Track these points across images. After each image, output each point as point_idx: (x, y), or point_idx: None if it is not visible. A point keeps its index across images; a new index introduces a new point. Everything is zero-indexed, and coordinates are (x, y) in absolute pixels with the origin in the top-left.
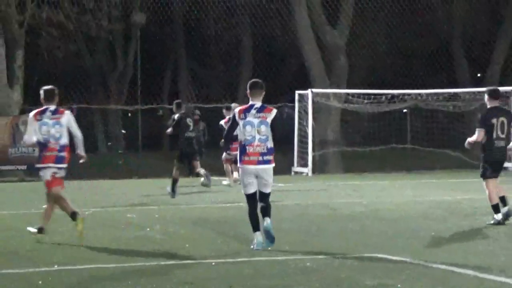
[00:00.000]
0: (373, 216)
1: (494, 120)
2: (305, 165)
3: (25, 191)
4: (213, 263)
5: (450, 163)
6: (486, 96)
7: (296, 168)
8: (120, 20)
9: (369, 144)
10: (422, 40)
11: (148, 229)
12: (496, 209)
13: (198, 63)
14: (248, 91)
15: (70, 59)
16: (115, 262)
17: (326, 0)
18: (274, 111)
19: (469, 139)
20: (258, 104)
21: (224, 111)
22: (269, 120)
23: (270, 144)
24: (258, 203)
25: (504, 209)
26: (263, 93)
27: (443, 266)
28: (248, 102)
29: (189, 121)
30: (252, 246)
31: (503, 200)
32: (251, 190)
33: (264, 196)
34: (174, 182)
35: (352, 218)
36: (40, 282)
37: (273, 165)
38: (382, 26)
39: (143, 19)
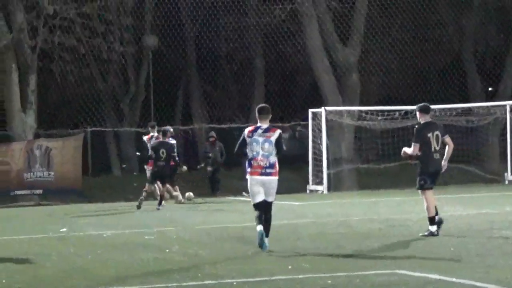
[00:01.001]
0: (390, 232)
1: (429, 134)
2: (320, 183)
3: (41, 215)
4: (234, 283)
5: (465, 178)
6: (417, 113)
7: (311, 186)
8: (132, 43)
9: (383, 161)
10: (434, 56)
11: (167, 250)
12: (432, 221)
13: (210, 84)
14: (257, 115)
15: (82, 82)
16: (136, 285)
17: (337, 18)
18: (278, 131)
19: (405, 150)
20: (264, 125)
21: (149, 128)
22: (272, 139)
23: (272, 159)
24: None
25: (436, 218)
26: (270, 116)
27: (464, 281)
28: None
29: (162, 152)
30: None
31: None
32: (259, 199)
33: (268, 206)
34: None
35: (370, 235)
36: None
37: (276, 177)
38: (394, 42)
39: (155, 42)
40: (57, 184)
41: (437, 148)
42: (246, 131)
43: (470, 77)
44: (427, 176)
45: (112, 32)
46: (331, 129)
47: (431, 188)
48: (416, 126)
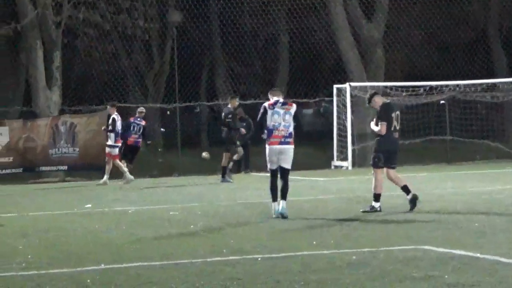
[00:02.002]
0: (415, 208)
1: (393, 114)
2: (344, 159)
3: (66, 191)
4: (259, 259)
5: (490, 154)
6: (375, 97)
7: (336, 162)
8: (156, 19)
9: (408, 137)
10: (459, 31)
11: (192, 226)
12: (377, 198)
13: (235, 60)
14: (270, 94)
15: (107, 59)
16: (161, 260)
17: None
18: (294, 105)
19: (372, 127)
20: (281, 99)
21: (108, 107)
22: (292, 111)
23: (291, 129)
24: (278, 179)
25: (408, 197)
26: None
27: (489, 257)
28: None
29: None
30: (274, 215)
31: (406, 189)
32: (274, 166)
33: (284, 172)
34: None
35: (394, 211)
36: (88, 281)
37: (293, 146)
38: (418, 18)
39: (179, 18)
40: (82, 160)
41: (397, 128)
42: (267, 103)
43: (495, 53)
44: (382, 153)
45: (136, 8)
46: (355, 105)
47: (383, 167)
48: (380, 106)
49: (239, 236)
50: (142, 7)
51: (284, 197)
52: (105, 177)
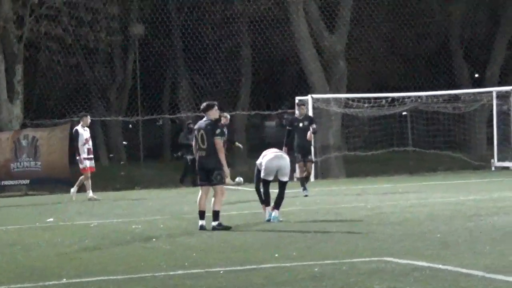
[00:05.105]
0: (378, 219)
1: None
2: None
3: (29, 205)
4: (222, 272)
5: (452, 165)
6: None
7: (297, 174)
8: (119, 32)
9: (370, 148)
10: (421, 43)
11: (154, 239)
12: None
13: (197, 72)
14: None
15: (69, 72)
16: (124, 274)
17: (324, 5)
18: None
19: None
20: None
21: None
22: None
23: None
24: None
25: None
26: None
27: (451, 268)
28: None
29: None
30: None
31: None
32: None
33: None
34: None
35: (357, 223)
36: None
37: None
38: (380, 29)
39: (142, 31)
40: (44, 173)
41: (202, 147)
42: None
43: (457, 64)
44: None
45: (98, 21)
46: (318, 117)
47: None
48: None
49: (201, 249)
50: (104, 20)
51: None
52: (89, 191)
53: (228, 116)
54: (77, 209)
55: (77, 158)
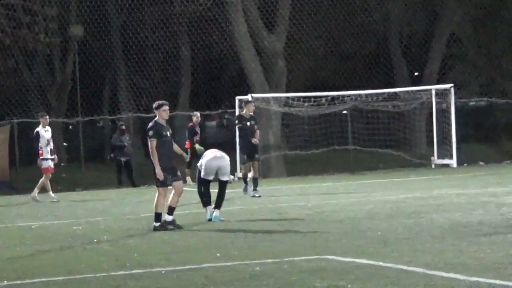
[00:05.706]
0: (319, 218)
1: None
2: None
3: None
4: (163, 272)
5: (393, 163)
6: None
7: (239, 174)
8: (58, 33)
9: (311, 147)
10: (360, 42)
11: (95, 240)
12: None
13: (137, 73)
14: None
15: (8, 74)
16: (65, 275)
17: (262, 5)
18: None
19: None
20: None
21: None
22: None
23: None
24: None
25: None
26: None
27: (392, 265)
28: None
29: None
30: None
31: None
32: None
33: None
34: None
35: (299, 221)
36: None
37: None
38: (320, 29)
39: (81, 32)
40: None
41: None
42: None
43: (396, 62)
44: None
45: (37, 22)
46: (258, 116)
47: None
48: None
49: (143, 249)
50: (43, 22)
51: None
52: (50, 192)
53: (198, 114)
54: (18, 211)
55: (39, 159)
